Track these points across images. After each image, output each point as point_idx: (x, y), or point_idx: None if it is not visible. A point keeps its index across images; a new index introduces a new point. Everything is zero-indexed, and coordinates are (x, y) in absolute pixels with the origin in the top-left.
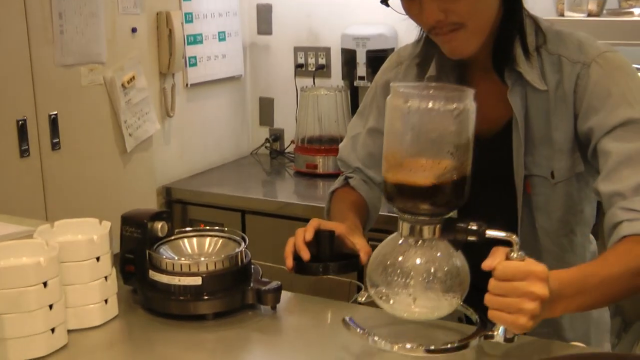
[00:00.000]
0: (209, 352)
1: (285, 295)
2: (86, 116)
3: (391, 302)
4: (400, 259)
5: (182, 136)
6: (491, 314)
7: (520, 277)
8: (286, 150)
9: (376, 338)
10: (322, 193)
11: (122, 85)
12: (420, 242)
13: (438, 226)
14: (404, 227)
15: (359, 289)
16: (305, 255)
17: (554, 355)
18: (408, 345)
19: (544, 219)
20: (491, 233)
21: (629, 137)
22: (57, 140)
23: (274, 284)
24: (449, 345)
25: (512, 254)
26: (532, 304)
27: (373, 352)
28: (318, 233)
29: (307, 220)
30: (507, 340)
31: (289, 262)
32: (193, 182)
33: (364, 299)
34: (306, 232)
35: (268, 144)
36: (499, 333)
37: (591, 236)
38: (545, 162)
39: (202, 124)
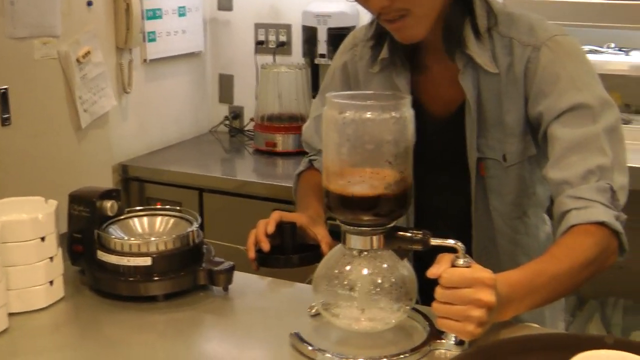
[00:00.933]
0: (159, 334)
1: (238, 275)
2: (39, 91)
3: (339, 315)
4: (344, 271)
5: (139, 113)
6: (439, 322)
7: (466, 285)
8: (246, 128)
9: (327, 355)
10: (281, 171)
11: (77, 59)
12: (364, 253)
13: (382, 236)
14: (347, 238)
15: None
16: (265, 246)
17: (509, 337)
18: (360, 359)
19: (497, 201)
20: (436, 241)
21: (577, 123)
22: (8, 115)
23: (227, 264)
24: (402, 355)
25: (458, 260)
26: (479, 311)
27: None
28: (280, 225)
29: (266, 199)
30: (457, 344)
31: (251, 254)
32: (150, 160)
33: (313, 311)
34: (268, 225)
35: (227, 122)
36: (448, 341)
37: (545, 216)
38: (498, 145)
39: (161, 101)
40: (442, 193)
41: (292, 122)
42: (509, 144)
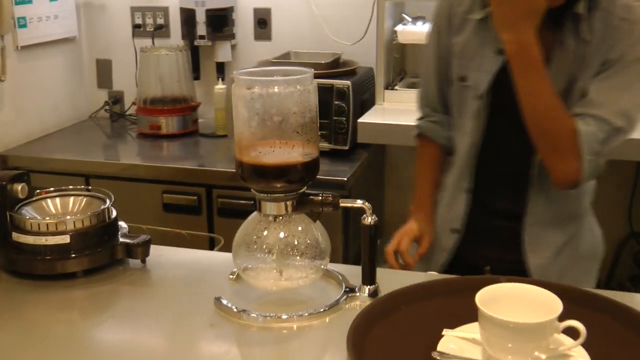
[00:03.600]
0: (79, 310)
1: (154, 249)
2: None
3: (259, 278)
4: (261, 236)
5: (15, 101)
6: None
7: None
8: (127, 113)
9: (252, 315)
10: (166, 153)
11: None
12: (278, 218)
13: (294, 201)
14: (262, 205)
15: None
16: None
17: (416, 283)
18: (284, 316)
19: None
20: (345, 203)
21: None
22: None
23: (143, 237)
24: (322, 310)
25: (367, 218)
26: None
27: None
28: None
29: (153, 182)
30: (371, 295)
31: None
32: (31, 149)
33: (235, 277)
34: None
35: (108, 107)
36: (362, 294)
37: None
38: (568, 102)
39: (37, 88)
40: (513, 145)
41: (176, 104)
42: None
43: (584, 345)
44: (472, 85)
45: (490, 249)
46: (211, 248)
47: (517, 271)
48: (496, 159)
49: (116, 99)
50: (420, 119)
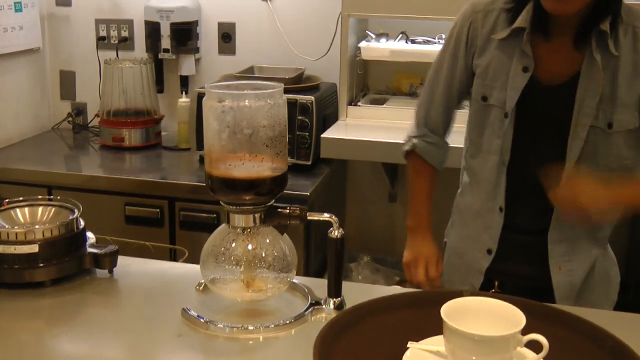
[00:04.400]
0: (46, 319)
1: (121, 259)
2: None
3: (227, 289)
4: (229, 248)
5: None
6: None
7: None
8: (90, 125)
9: (219, 325)
10: (129, 165)
11: None
12: (247, 230)
13: (262, 214)
14: (231, 217)
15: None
16: None
17: (380, 296)
18: (251, 327)
19: (590, 165)
20: (312, 216)
21: None
22: None
23: (111, 247)
24: (287, 321)
25: (334, 231)
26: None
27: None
28: None
29: (115, 194)
30: (336, 308)
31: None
32: None
33: (201, 288)
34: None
35: (70, 118)
36: (327, 306)
37: None
38: (603, 115)
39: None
40: (538, 161)
41: (139, 117)
42: (618, 113)
43: (546, 358)
44: (495, 104)
45: (515, 266)
46: (173, 260)
47: (539, 289)
48: (521, 176)
49: (79, 110)
50: (416, 137)
